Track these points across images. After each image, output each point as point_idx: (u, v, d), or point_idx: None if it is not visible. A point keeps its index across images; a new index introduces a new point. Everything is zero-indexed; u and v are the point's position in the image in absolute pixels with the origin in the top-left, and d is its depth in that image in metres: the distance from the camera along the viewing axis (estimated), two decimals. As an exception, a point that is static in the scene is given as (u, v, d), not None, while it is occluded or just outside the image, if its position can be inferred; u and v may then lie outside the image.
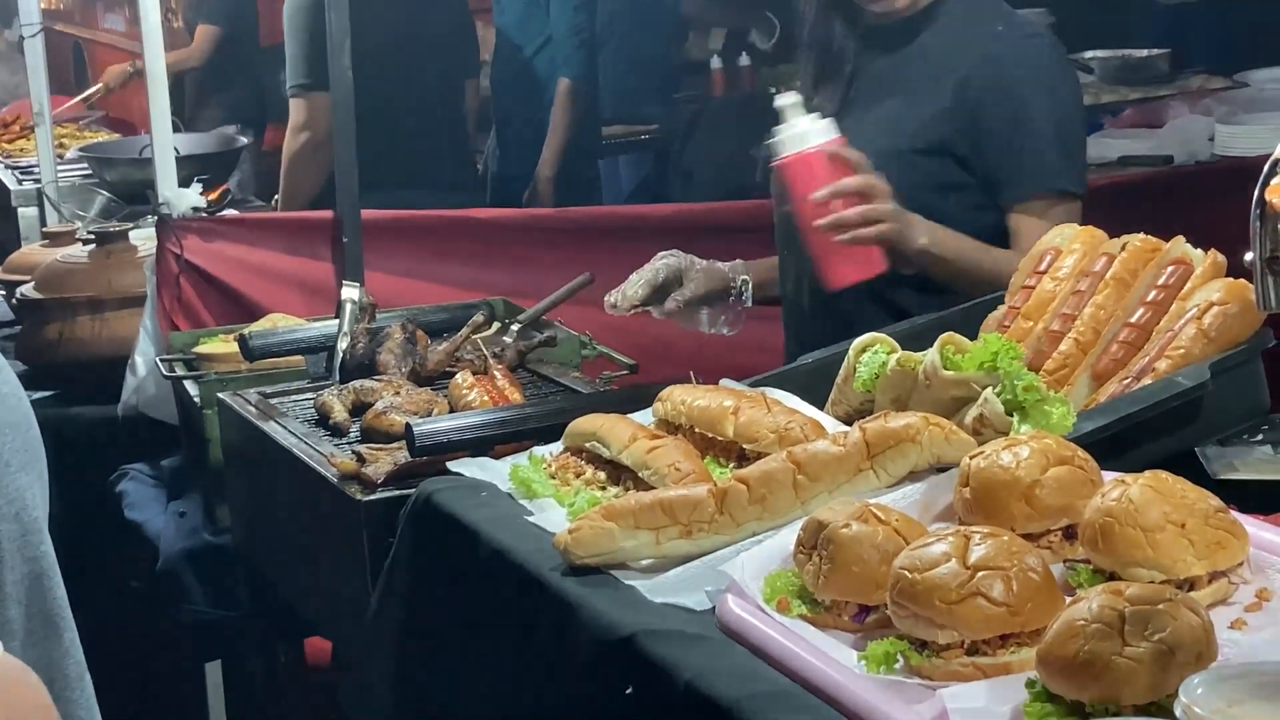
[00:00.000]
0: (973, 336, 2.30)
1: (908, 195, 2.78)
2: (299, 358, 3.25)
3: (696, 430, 2.34)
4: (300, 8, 4.68)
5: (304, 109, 4.75)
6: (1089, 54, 5.47)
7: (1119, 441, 2.18)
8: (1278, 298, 1.58)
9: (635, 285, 2.99)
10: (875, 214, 2.67)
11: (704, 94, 6.78)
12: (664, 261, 3.00)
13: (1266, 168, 1.51)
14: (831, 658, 1.74)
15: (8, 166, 6.04)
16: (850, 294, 2.79)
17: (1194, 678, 1.39)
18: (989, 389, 2.12)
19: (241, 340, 3.20)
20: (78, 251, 4.19)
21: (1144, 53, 5.47)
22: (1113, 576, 1.77)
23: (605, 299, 3.01)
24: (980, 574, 1.70)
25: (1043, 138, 2.82)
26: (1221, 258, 2.37)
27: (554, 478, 2.36)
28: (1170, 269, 2.39)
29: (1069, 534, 1.90)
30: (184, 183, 4.07)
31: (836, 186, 2.67)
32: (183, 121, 6.26)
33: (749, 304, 2.95)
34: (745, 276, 2.98)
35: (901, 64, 2.92)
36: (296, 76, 4.75)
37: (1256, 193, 1.51)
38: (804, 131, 2.71)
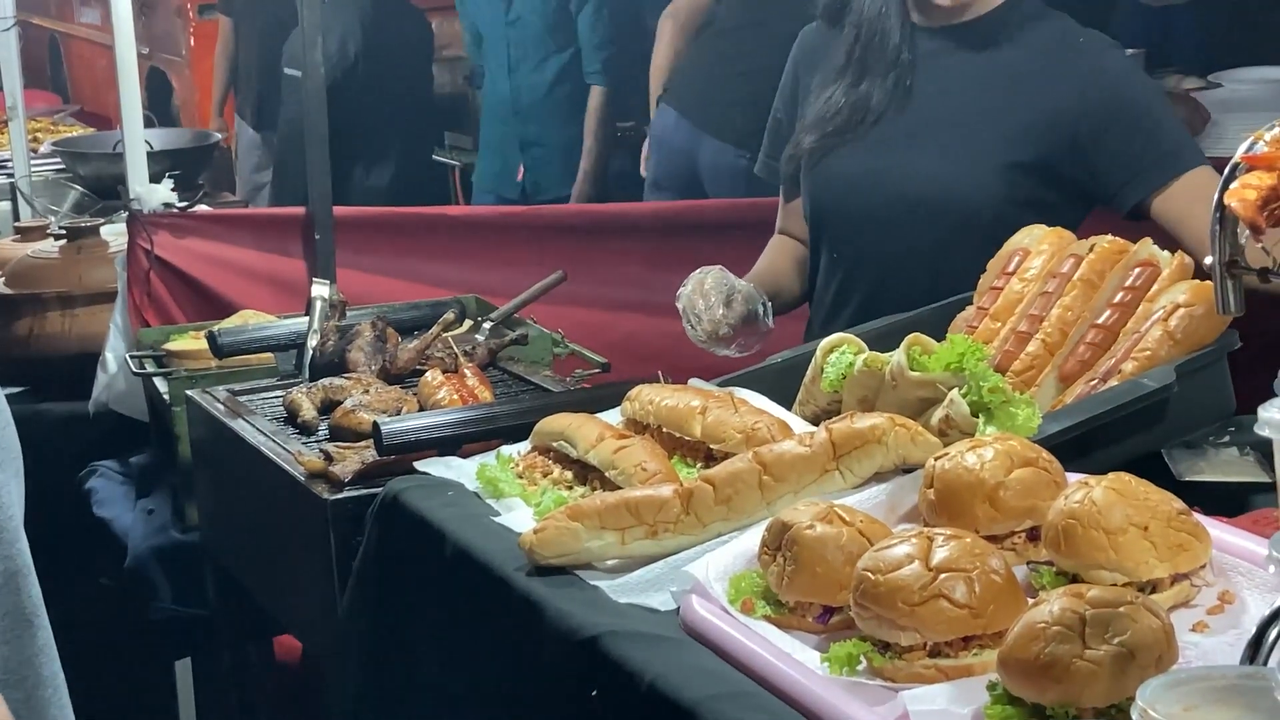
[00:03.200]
0: (940, 337, 2.30)
1: (992, 208, 2.72)
2: (268, 355, 3.25)
3: (664, 430, 2.34)
4: None
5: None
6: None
7: (1085, 443, 2.18)
8: (1238, 302, 1.59)
9: (715, 307, 2.75)
10: None
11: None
12: (716, 278, 2.78)
13: (1226, 171, 1.52)
14: (794, 659, 1.74)
15: (-20, 160, 6.02)
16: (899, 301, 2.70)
17: (1151, 681, 1.39)
18: (955, 390, 2.12)
19: (211, 337, 3.20)
20: (49, 247, 4.17)
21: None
22: (1075, 578, 1.78)
23: (693, 332, 2.77)
24: (943, 576, 1.70)
25: (1168, 128, 2.73)
26: (1188, 259, 2.38)
27: (521, 477, 2.35)
28: (1137, 270, 2.40)
29: (1033, 536, 1.90)
30: (156, 178, 4.06)
31: None
32: None
33: (772, 327, 2.81)
34: (768, 300, 2.81)
35: (976, 68, 2.81)
36: None
37: (1216, 197, 1.52)
38: None
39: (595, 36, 5.55)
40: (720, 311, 2.75)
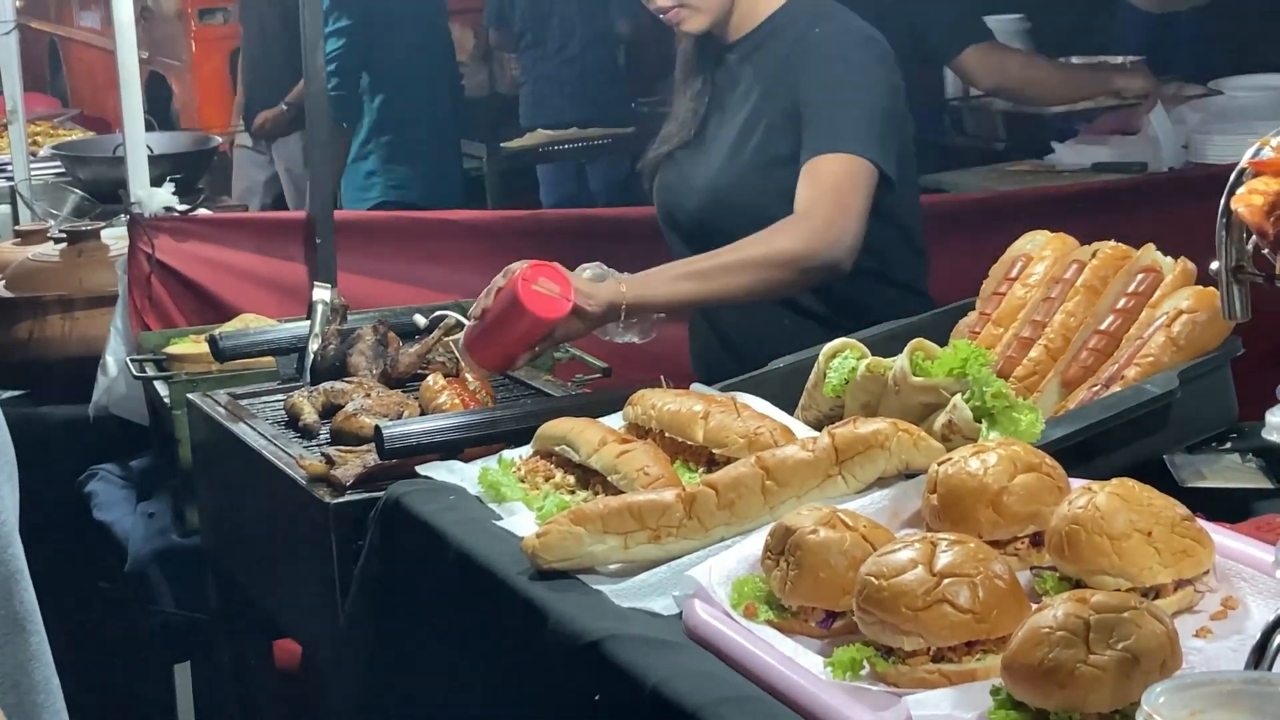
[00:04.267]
0: (943, 342, 2.30)
1: (764, 204, 2.80)
2: (269, 359, 3.24)
3: (666, 434, 2.33)
4: None
5: None
6: (1066, 59, 5.48)
7: (1087, 449, 2.18)
8: (1243, 307, 1.59)
9: None
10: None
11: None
12: (590, 273, 2.91)
13: (1232, 177, 1.52)
14: (797, 664, 1.74)
15: (-20, 164, 6.01)
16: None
17: (1156, 686, 1.39)
18: (958, 395, 2.12)
19: (212, 341, 3.19)
20: (49, 250, 4.17)
21: (1120, 59, 5.48)
22: (1079, 584, 1.78)
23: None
24: (946, 581, 1.70)
25: (832, 103, 2.84)
26: (1191, 265, 2.38)
27: (523, 481, 2.35)
28: (1140, 276, 2.40)
29: (1036, 541, 1.90)
30: (157, 182, 4.06)
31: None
32: None
33: (662, 315, 2.90)
34: None
35: (754, 73, 2.95)
36: None
37: (1222, 202, 1.52)
38: None
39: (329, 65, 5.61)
40: None
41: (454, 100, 5.86)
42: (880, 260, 2.91)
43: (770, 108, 2.90)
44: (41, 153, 6.02)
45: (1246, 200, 1.49)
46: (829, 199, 2.71)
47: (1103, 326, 2.38)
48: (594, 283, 2.68)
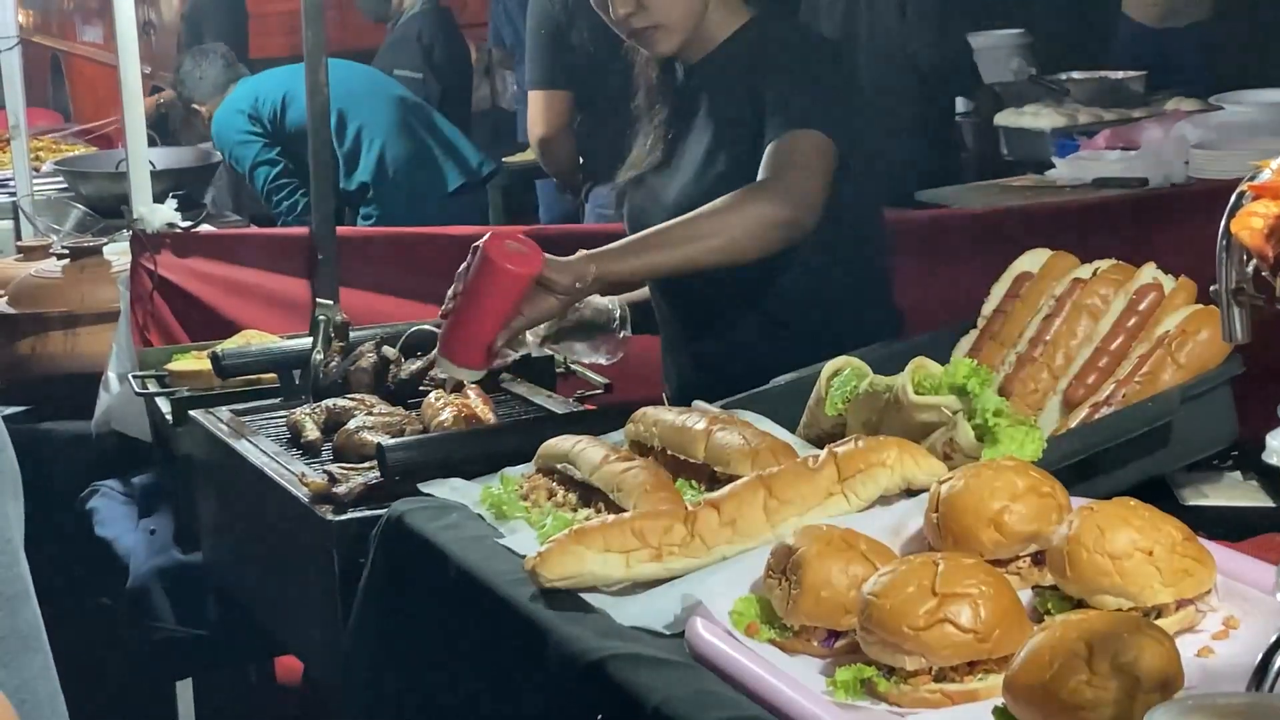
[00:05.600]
0: (944, 361, 2.30)
1: None
2: (272, 375, 3.24)
3: (668, 452, 2.34)
4: (539, 13, 5.00)
5: (540, 101, 5.03)
6: (1066, 75, 5.49)
7: (1089, 467, 2.18)
8: (1244, 330, 1.59)
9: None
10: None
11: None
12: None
13: (1233, 199, 1.52)
14: (799, 683, 1.74)
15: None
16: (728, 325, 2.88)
17: (1157, 708, 1.39)
18: (959, 414, 2.12)
19: (214, 358, 3.19)
20: (52, 266, 4.17)
21: (1120, 74, 5.48)
22: (1081, 603, 1.78)
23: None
24: (948, 600, 1.70)
25: (791, 91, 2.84)
26: (1192, 283, 2.38)
27: (525, 499, 2.35)
28: (1141, 294, 2.40)
29: (1038, 560, 1.90)
30: (159, 197, 4.06)
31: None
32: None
33: (629, 333, 2.89)
34: (623, 308, 2.90)
35: (712, 98, 2.96)
36: (534, 73, 5.05)
37: (1222, 224, 1.52)
38: None
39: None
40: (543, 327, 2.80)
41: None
42: (846, 271, 2.93)
43: (735, 120, 2.91)
44: (44, 168, 6.03)
45: (1246, 224, 1.49)
46: (791, 164, 2.74)
47: (1103, 345, 2.38)
48: (560, 258, 2.67)
